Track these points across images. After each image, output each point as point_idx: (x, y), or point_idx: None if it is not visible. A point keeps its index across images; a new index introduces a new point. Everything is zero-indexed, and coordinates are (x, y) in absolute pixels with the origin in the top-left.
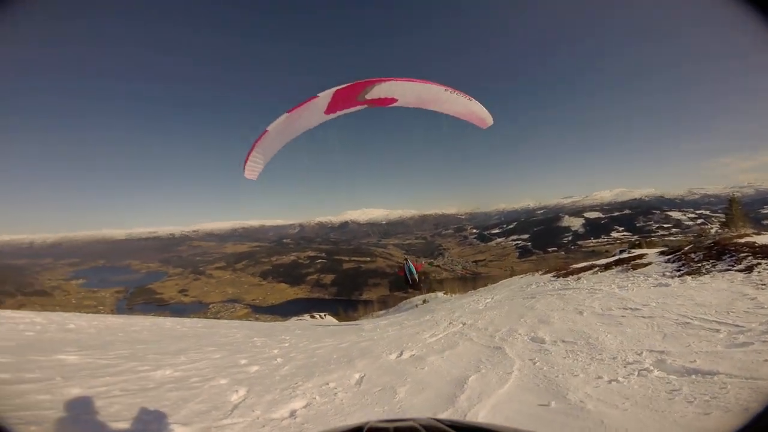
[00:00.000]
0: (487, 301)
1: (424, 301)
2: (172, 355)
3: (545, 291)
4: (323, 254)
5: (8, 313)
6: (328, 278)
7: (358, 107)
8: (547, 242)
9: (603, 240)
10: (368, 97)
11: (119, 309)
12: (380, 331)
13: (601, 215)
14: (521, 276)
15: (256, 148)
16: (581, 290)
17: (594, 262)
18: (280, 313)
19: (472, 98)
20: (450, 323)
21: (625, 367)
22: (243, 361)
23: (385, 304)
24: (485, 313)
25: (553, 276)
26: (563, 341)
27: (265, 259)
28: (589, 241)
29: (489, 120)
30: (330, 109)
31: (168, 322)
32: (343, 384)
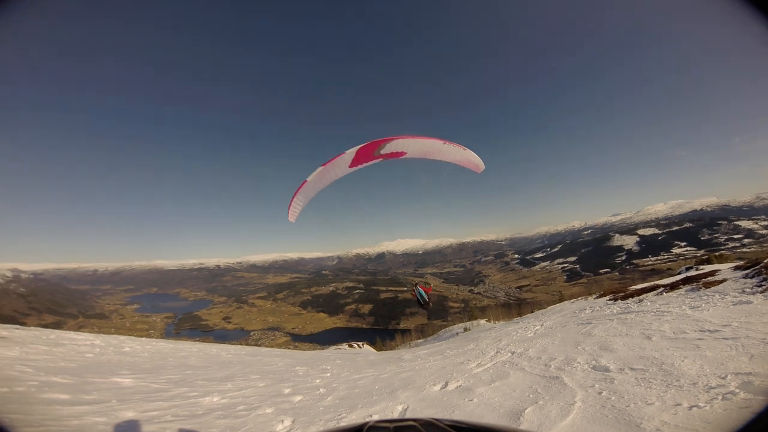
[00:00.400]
0: (537, 328)
1: (466, 329)
2: (219, 381)
3: (603, 316)
4: (361, 285)
5: (71, 334)
6: (366, 308)
7: (375, 161)
8: (597, 264)
9: (662, 257)
10: (383, 152)
11: (167, 333)
12: (421, 361)
13: (657, 231)
14: (572, 300)
15: (297, 196)
16: (646, 313)
17: (657, 282)
18: (318, 342)
19: (466, 148)
20: (497, 352)
21: (707, 392)
22: (287, 391)
23: (423, 332)
24: (536, 341)
25: (610, 299)
26: (632, 369)
27: (304, 290)
28: (646, 259)
29: (481, 166)
30: (353, 163)
31: (214, 349)
32: (386, 416)
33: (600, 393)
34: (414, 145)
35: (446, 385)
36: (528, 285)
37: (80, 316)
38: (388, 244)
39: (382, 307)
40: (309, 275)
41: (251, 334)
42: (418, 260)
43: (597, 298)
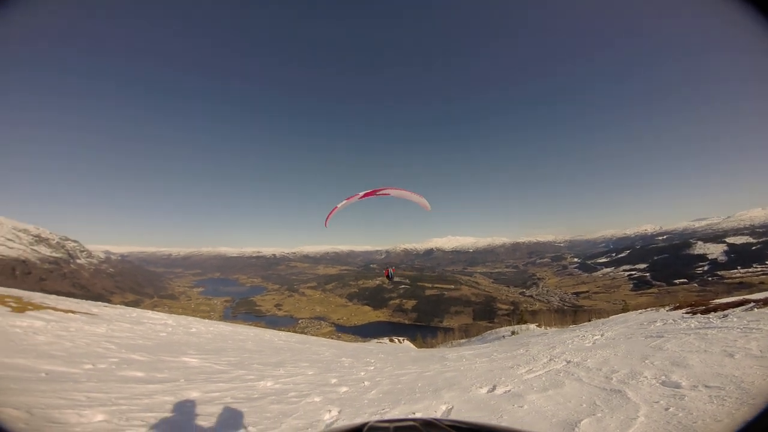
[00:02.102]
0: (596, 337)
1: (513, 333)
2: (273, 366)
3: (677, 329)
4: (407, 280)
5: (149, 313)
6: (410, 304)
7: (371, 197)
8: (672, 273)
9: (755, 270)
10: (378, 193)
11: (225, 316)
12: (466, 362)
13: (750, 240)
14: (640, 311)
15: (331, 216)
16: (730, 329)
17: (747, 297)
18: (360, 334)
19: (421, 195)
20: (550, 359)
21: None
22: (333, 381)
23: (466, 333)
24: (595, 352)
25: (687, 312)
26: (706, 386)
27: (352, 282)
28: (735, 271)
29: (428, 207)
30: (360, 198)
31: (267, 334)
32: (429, 415)
33: (666, 409)
34: (392, 192)
35: (494, 388)
36: (587, 291)
37: (155, 295)
38: (438, 240)
39: (426, 304)
40: (357, 268)
41: (299, 321)
42: (468, 258)
43: (671, 310)
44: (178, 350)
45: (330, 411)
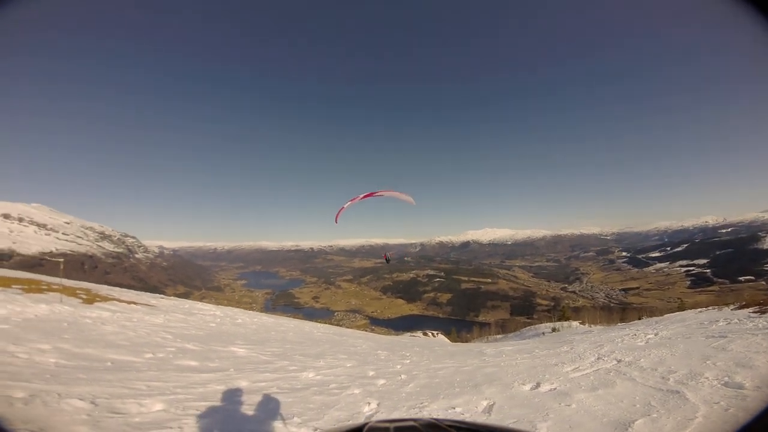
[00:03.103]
0: (649, 336)
1: (554, 330)
2: (314, 358)
3: (742, 330)
4: (442, 273)
5: (199, 305)
6: (445, 297)
7: (369, 198)
8: (737, 269)
9: None
10: (375, 195)
11: (266, 307)
12: (506, 357)
13: None
14: (699, 310)
15: (340, 215)
16: None
17: None
18: (393, 327)
19: (409, 195)
20: (598, 358)
21: None
22: (371, 373)
23: (503, 328)
24: (649, 351)
25: (754, 311)
26: None
27: (386, 275)
28: None
29: (413, 202)
30: (361, 199)
31: (307, 326)
32: (470, 410)
33: (727, 410)
34: (385, 193)
35: (538, 386)
36: (637, 288)
37: (203, 287)
38: (474, 233)
39: (461, 298)
40: (392, 261)
41: (335, 314)
42: (506, 251)
43: (736, 309)
44: (226, 340)
45: (369, 403)
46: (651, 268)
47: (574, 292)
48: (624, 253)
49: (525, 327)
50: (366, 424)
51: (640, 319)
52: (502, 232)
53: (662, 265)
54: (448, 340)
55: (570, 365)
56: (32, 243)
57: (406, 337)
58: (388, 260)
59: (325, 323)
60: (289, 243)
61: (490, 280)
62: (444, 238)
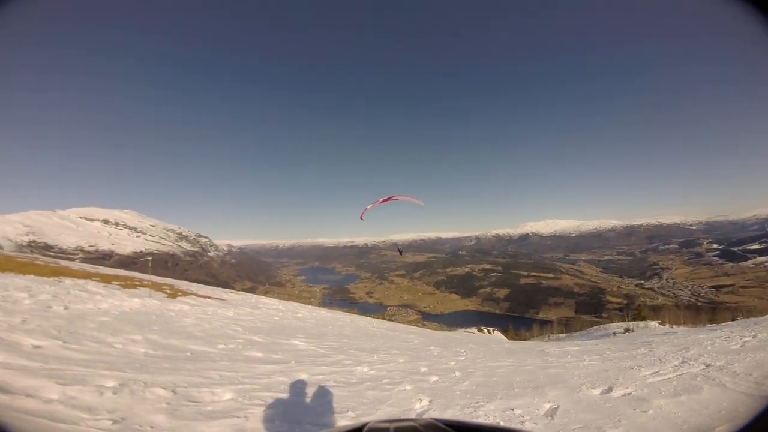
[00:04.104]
0: (746, 339)
1: (627, 330)
2: (368, 353)
3: None
4: (499, 267)
5: (264, 299)
6: (502, 292)
7: (387, 202)
8: None
9: None
10: (392, 199)
11: (324, 302)
12: (572, 358)
13: None
14: None
15: (365, 214)
16: None
17: None
18: (446, 323)
19: (419, 199)
20: (683, 362)
21: None
22: (423, 369)
23: (567, 327)
24: (745, 355)
25: None
26: None
27: (440, 270)
28: None
29: (422, 205)
30: (381, 202)
31: (362, 321)
32: (531, 413)
33: None
34: (399, 197)
35: (609, 390)
36: (731, 285)
37: (267, 283)
38: (533, 224)
39: (520, 293)
40: (445, 255)
41: (388, 309)
42: (570, 244)
43: None
44: (289, 333)
45: (421, 400)
46: (749, 263)
47: (651, 288)
48: (715, 245)
49: (592, 326)
50: (366, 424)
51: (734, 319)
52: (565, 223)
53: (763, 258)
54: (505, 338)
55: (648, 369)
56: (127, 244)
57: (459, 333)
58: (401, 252)
59: (379, 318)
60: (345, 239)
61: (552, 275)
62: (501, 231)
